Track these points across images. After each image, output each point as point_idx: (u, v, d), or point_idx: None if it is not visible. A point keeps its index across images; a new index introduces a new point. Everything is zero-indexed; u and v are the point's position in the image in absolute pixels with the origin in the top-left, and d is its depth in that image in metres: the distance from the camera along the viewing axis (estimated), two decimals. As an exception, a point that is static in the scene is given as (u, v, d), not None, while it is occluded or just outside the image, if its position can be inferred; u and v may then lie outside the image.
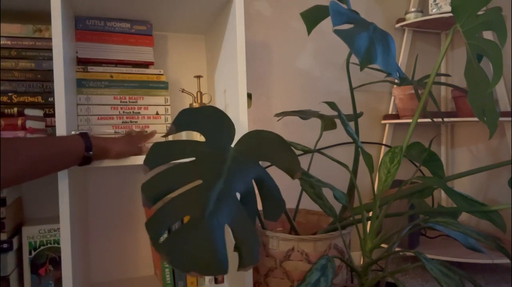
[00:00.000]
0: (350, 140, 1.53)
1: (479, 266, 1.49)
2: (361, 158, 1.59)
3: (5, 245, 0.91)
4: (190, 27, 1.21)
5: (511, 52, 1.45)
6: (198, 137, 1.09)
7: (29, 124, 0.86)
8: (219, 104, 1.15)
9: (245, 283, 0.93)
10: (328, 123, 1.12)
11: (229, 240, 1.02)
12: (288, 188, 1.44)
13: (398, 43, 1.62)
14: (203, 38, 1.30)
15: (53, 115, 0.96)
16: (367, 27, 0.77)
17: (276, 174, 1.39)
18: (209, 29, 1.23)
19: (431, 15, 1.47)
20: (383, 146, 1.59)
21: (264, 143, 0.71)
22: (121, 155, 0.83)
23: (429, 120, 1.45)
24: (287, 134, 1.45)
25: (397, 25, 1.57)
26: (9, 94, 0.93)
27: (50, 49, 0.98)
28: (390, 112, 1.59)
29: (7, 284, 0.92)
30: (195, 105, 1.09)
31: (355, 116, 0.99)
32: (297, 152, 1.43)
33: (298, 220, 1.23)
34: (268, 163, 1.30)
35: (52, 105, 0.97)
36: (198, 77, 1.10)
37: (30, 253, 0.97)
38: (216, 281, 1.10)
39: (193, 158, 0.65)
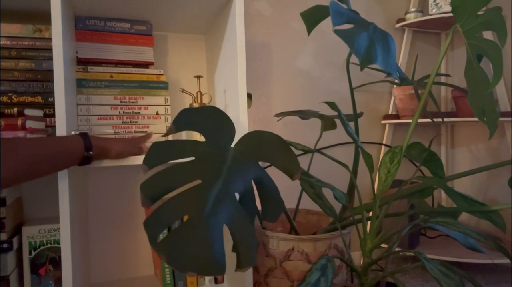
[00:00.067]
0: (350, 140, 1.53)
1: (479, 266, 1.49)
2: (361, 158, 1.59)
3: (5, 245, 0.91)
4: (190, 27, 1.21)
5: (511, 52, 1.45)
6: (198, 137, 1.09)
7: (29, 124, 0.86)
8: (219, 104, 1.15)
9: (245, 283, 0.93)
10: (328, 123, 1.12)
11: (228, 240, 1.02)
12: (288, 188, 1.44)
13: (398, 43, 1.62)
14: (203, 38, 1.30)
15: (53, 115, 0.96)
16: (367, 27, 0.77)
17: (276, 174, 1.39)
18: (209, 29, 1.23)
19: (431, 15, 1.47)
20: (383, 146, 1.59)
21: (264, 144, 0.71)
22: (121, 155, 0.83)
23: (429, 120, 1.45)
24: (287, 134, 1.45)
25: (397, 25, 1.57)
26: (9, 94, 0.93)
27: (50, 49, 0.98)
28: (390, 112, 1.59)
29: (7, 284, 0.92)
30: (195, 105, 1.09)
31: (355, 116, 0.99)
32: (297, 152, 1.43)
33: (298, 220, 1.23)
34: (268, 164, 1.30)
35: (52, 105, 0.97)
36: (198, 77, 1.10)
37: (30, 253, 0.97)
38: (216, 281, 1.10)
39: (193, 158, 0.65)
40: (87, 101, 1.00)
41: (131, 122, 1.04)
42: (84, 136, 0.77)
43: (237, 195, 0.62)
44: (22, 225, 0.98)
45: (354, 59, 1.55)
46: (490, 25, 0.80)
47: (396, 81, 1.46)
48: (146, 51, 1.10)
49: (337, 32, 0.70)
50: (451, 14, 1.42)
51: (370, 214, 1.01)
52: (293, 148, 1.28)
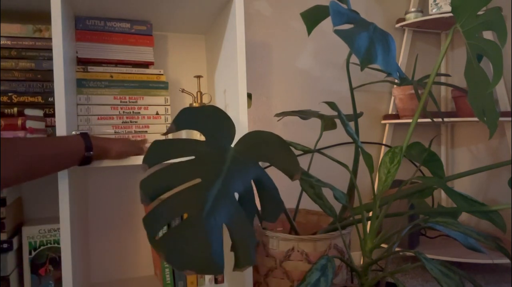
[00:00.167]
0: (350, 140, 1.53)
1: (479, 266, 1.49)
2: (361, 158, 1.59)
3: (5, 245, 0.91)
4: (190, 27, 1.21)
5: (511, 52, 1.45)
6: (198, 136, 1.09)
7: (29, 124, 0.86)
8: (219, 104, 1.15)
9: (245, 283, 0.93)
10: (328, 123, 1.12)
11: (228, 239, 1.02)
12: (288, 188, 1.44)
13: (398, 43, 1.62)
14: (203, 38, 1.30)
15: (53, 115, 0.96)
16: (367, 27, 0.77)
17: (276, 174, 1.39)
18: (209, 29, 1.23)
19: (431, 15, 1.47)
20: (383, 146, 1.59)
21: (263, 144, 0.71)
22: (121, 155, 0.83)
23: (429, 120, 1.45)
24: (287, 134, 1.45)
25: (397, 25, 1.57)
26: (9, 94, 0.93)
27: (50, 49, 0.98)
28: (390, 112, 1.59)
29: (7, 284, 0.92)
30: (195, 105, 1.09)
31: (355, 116, 0.99)
32: (297, 152, 1.43)
33: (298, 220, 1.23)
34: (268, 164, 1.30)
35: (52, 105, 0.97)
36: (198, 77, 1.10)
37: (30, 253, 0.97)
38: (216, 281, 1.10)
39: (193, 157, 0.65)
40: (87, 101, 1.00)
41: (131, 122, 1.04)
42: (85, 136, 0.77)
43: (236, 195, 0.62)
44: (22, 225, 0.98)
45: (354, 59, 1.55)
46: (490, 25, 0.80)
47: (396, 81, 1.46)
48: (146, 51, 1.10)
49: (337, 32, 0.71)
50: (451, 14, 1.42)
51: (370, 214, 1.01)
52: (293, 148, 1.28)
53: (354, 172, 0.99)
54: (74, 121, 0.95)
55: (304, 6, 1.46)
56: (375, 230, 0.87)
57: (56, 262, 0.99)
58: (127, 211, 1.19)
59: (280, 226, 1.24)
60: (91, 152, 0.76)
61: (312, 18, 0.99)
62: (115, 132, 1.03)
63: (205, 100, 1.27)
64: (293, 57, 1.45)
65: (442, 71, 1.73)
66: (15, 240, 0.94)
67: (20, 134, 0.84)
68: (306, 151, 0.96)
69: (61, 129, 0.80)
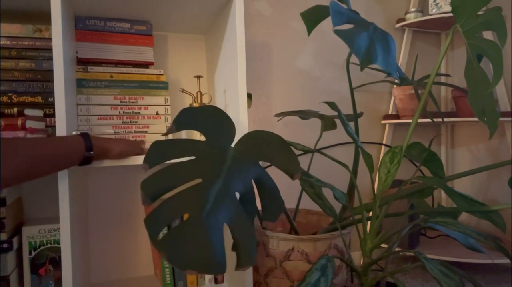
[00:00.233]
0: (350, 140, 1.53)
1: (479, 266, 1.49)
2: (361, 158, 1.59)
3: (5, 245, 0.91)
4: (190, 27, 1.21)
5: (511, 52, 1.45)
6: (198, 136, 1.09)
7: (29, 124, 0.86)
8: (219, 104, 1.15)
9: (245, 283, 0.93)
10: (328, 123, 1.12)
11: (229, 239, 1.02)
12: (288, 188, 1.44)
13: (398, 43, 1.62)
14: (203, 38, 1.30)
15: (53, 115, 0.96)
16: (367, 27, 0.77)
17: (276, 174, 1.39)
18: (209, 29, 1.23)
19: (431, 15, 1.47)
20: (383, 146, 1.59)
21: (264, 143, 0.71)
22: (121, 156, 0.83)
23: (429, 120, 1.45)
24: (287, 134, 1.45)
25: (397, 25, 1.57)
26: (9, 94, 0.93)
27: (50, 49, 0.98)
28: (390, 112, 1.59)
29: (7, 284, 0.92)
30: (195, 105, 1.09)
31: (355, 116, 0.99)
32: (297, 152, 1.43)
33: (298, 220, 1.23)
34: (268, 163, 1.30)
35: (52, 105, 0.97)
36: (198, 77, 1.10)
37: (30, 253, 0.97)
38: (216, 281, 1.10)
39: (193, 157, 0.65)
40: (87, 101, 1.00)
41: (131, 122, 1.04)
42: (85, 136, 0.77)
43: (237, 195, 0.62)
44: (22, 225, 0.98)
45: (354, 59, 1.55)
46: (490, 25, 0.80)
47: (396, 81, 1.46)
48: (146, 51, 1.10)
49: (337, 32, 0.71)
50: (451, 14, 1.42)
51: (370, 214, 1.01)
52: (293, 148, 1.28)
53: (354, 172, 0.99)
54: (74, 121, 0.95)
55: (304, 6, 1.46)
56: (375, 230, 0.87)
57: (56, 262, 0.99)
58: (127, 211, 1.19)
59: (280, 226, 1.24)
60: (92, 152, 0.76)
61: (312, 18, 0.99)
62: (115, 132, 1.03)
63: (205, 100, 1.27)
64: (293, 57, 1.45)
65: (442, 71, 1.73)
66: (15, 240, 0.94)
67: (20, 134, 0.84)
68: (306, 151, 0.96)
69: (61, 129, 0.80)
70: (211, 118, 0.73)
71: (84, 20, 1.05)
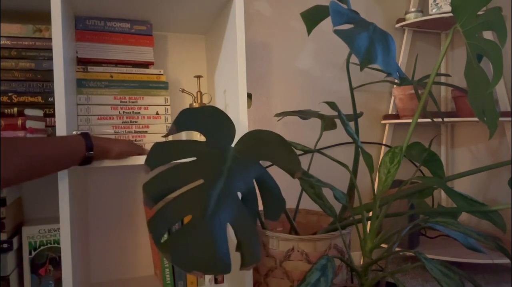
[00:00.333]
0: (350, 140, 1.53)
1: (479, 266, 1.49)
2: (361, 158, 1.59)
3: (5, 245, 0.91)
4: (190, 27, 1.21)
5: (511, 52, 1.45)
6: (198, 137, 1.09)
7: (29, 124, 0.86)
8: (219, 104, 1.15)
9: (245, 283, 0.93)
10: (328, 123, 1.12)
11: (231, 239, 1.02)
12: (288, 188, 1.44)
13: (398, 43, 1.62)
14: (203, 38, 1.30)
15: (53, 115, 0.96)
16: (367, 27, 0.77)
17: (276, 174, 1.39)
18: (209, 29, 1.23)
19: (431, 15, 1.47)
20: (383, 146, 1.59)
21: (264, 143, 0.71)
22: (121, 156, 0.83)
23: (429, 120, 1.45)
24: (287, 134, 1.45)
25: (397, 25, 1.57)
26: (9, 94, 0.93)
27: (50, 49, 0.98)
28: (390, 112, 1.59)
29: (7, 284, 0.92)
30: (195, 105, 1.09)
31: (355, 116, 0.99)
32: (297, 152, 1.43)
33: (298, 220, 1.23)
34: (269, 163, 1.30)
35: (52, 105, 0.97)
36: (198, 77, 1.10)
37: (30, 253, 0.97)
38: (216, 281, 1.10)
39: (194, 158, 0.65)
40: (87, 101, 1.00)
41: (131, 122, 1.04)
42: (85, 136, 0.77)
43: (239, 195, 0.62)
44: (22, 225, 0.98)
45: (354, 59, 1.55)
46: (490, 25, 0.80)
47: (396, 81, 1.46)
48: (146, 51, 1.10)
49: (337, 32, 0.71)
50: (451, 14, 1.42)
51: (370, 214, 1.01)
52: (293, 148, 1.28)
53: (354, 172, 0.99)
54: (74, 121, 0.95)
55: (304, 6, 1.46)
56: (375, 230, 0.87)
57: (56, 262, 0.99)
58: (127, 211, 1.19)
59: (280, 226, 1.24)
60: (92, 152, 0.76)
61: (312, 18, 0.99)
62: (115, 132, 1.03)
63: (205, 100, 1.27)
64: (293, 57, 1.45)
65: (442, 71, 1.73)
66: (15, 240, 0.94)
67: (20, 134, 0.84)
68: (306, 151, 0.96)
69: (61, 129, 0.80)
70: (211, 119, 0.73)
71: (84, 20, 1.05)
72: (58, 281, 0.99)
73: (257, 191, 0.67)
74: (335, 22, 0.73)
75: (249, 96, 1.29)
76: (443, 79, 1.74)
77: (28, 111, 0.87)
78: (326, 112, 1.48)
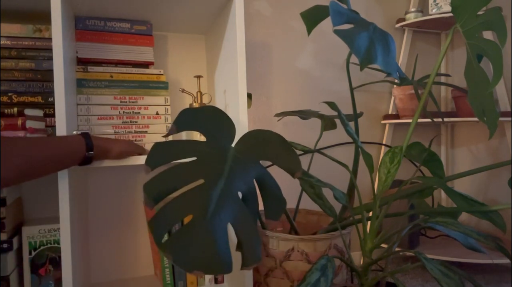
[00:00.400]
0: (350, 140, 1.53)
1: (479, 266, 1.49)
2: (361, 158, 1.59)
3: (5, 245, 0.91)
4: (190, 27, 1.21)
5: (511, 52, 1.45)
6: (198, 137, 1.09)
7: (29, 124, 0.86)
8: (219, 104, 1.15)
9: (245, 283, 0.93)
10: (328, 123, 1.12)
11: (231, 239, 1.02)
12: (288, 188, 1.44)
13: (398, 43, 1.62)
14: (203, 38, 1.30)
15: (53, 115, 0.96)
16: (367, 27, 0.77)
17: (276, 174, 1.39)
18: (209, 29, 1.23)
19: (431, 15, 1.47)
20: (383, 146, 1.59)
21: (264, 143, 0.71)
22: (121, 156, 0.83)
23: (429, 120, 1.45)
24: (287, 134, 1.45)
25: (397, 25, 1.57)
26: (9, 94, 0.93)
27: (50, 49, 0.98)
28: (390, 112, 1.59)
29: (7, 284, 0.92)
30: (195, 105, 1.09)
31: (355, 116, 0.99)
32: (297, 152, 1.43)
33: (298, 220, 1.23)
34: (269, 163, 1.30)
35: (52, 105, 0.97)
36: (198, 77, 1.10)
37: (30, 253, 0.97)
38: (216, 281, 1.10)
39: (194, 158, 0.65)
40: (87, 101, 1.00)
41: (131, 122, 1.04)
42: (86, 136, 0.77)
43: (239, 194, 0.62)
44: (22, 225, 0.98)
45: (354, 59, 1.55)
46: (490, 25, 0.80)
47: (396, 81, 1.46)
48: (146, 51, 1.10)
49: (337, 32, 0.71)
50: (451, 14, 1.42)
51: (370, 214, 1.01)
52: (293, 148, 1.28)
53: (354, 172, 0.99)
54: (74, 121, 0.95)
55: (304, 6, 1.46)
56: (375, 230, 0.87)
57: (56, 262, 0.99)
58: (127, 211, 1.19)
59: (280, 226, 1.24)
60: (92, 152, 0.76)
61: (312, 18, 0.99)
62: (115, 132, 1.03)
63: (205, 100, 1.27)
64: (293, 57, 1.45)
65: (442, 71, 1.73)
66: (15, 240, 0.94)
67: (20, 134, 0.84)
68: (306, 151, 0.96)
69: (61, 129, 0.80)
70: (211, 119, 0.73)
71: (84, 20, 1.05)
72: (58, 281, 0.99)
73: (258, 191, 0.67)
74: (335, 22, 0.73)
75: (249, 96, 1.29)
76: (443, 79, 1.74)
77: (28, 111, 0.87)
78: (326, 112, 1.48)
